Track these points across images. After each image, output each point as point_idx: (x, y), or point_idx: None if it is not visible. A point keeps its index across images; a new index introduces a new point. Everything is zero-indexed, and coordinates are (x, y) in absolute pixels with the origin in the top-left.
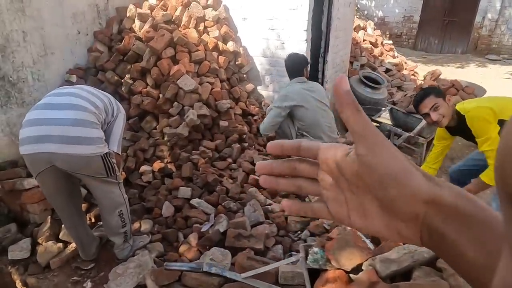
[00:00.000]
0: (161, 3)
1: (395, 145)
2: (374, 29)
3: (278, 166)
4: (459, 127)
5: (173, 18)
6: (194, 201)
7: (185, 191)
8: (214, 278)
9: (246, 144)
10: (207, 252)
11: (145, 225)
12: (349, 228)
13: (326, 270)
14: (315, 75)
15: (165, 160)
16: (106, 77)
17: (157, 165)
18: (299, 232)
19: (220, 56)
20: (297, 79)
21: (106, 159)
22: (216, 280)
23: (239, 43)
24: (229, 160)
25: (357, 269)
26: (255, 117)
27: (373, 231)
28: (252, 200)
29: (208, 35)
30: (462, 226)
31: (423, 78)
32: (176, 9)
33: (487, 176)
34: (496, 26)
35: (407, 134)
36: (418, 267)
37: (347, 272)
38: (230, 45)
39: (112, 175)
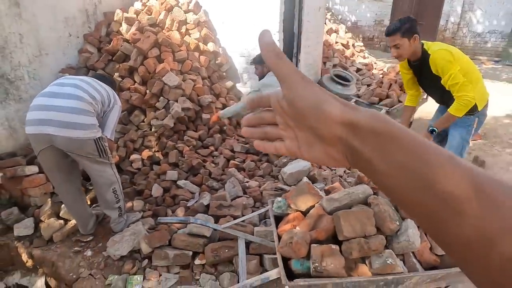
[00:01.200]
0: (146, 8)
1: None
2: (346, 32)
3: (252, 118)
4: (421, 63)
5: (157, 21)
6: (181, 182)
7: (172, 174)
8: (199, 239)
9: (226, 135)
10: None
11: (137, 204)
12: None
13: (288, 214)
14: None
15: (153, 149)
16: None
17: (146, 153)
18: None
19: (201, 56)
20: (271, 73)
21: (99, 142)
22: (202, 241)
23: (218, 44)
24: (212, 148)
25: (310, 209)
26: None
27: (318, 160)
28: (231, 177)
29: (190, 36)
30: (377, 144)
31: (386, 71)
32: (160, 13)
33: (454, 109)
34: (458, 28)
35: None
36: (355, 204)
37: (303, 213)
38: (210, 46)
39: (104, 156)
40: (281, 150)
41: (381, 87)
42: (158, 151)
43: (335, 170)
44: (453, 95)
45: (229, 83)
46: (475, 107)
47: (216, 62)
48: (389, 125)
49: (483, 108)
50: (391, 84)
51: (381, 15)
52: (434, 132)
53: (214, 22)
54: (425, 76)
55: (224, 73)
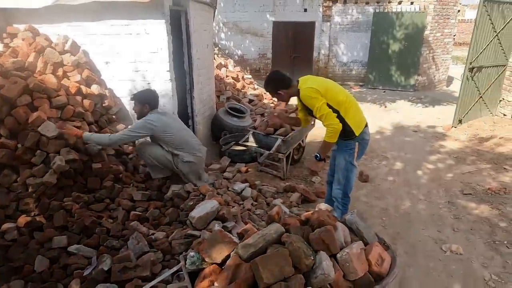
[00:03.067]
0: (10, 50)
1: (258, 163)
2: (234, 66)
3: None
4: (299, 98)
5: (26, 64)
6: (72, 248)
7: (60, 240)
8: None
9: (123, 183)
10: None
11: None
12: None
13: (204, 268)
14: (185, 110)
15: (32, 213)
16: None
17: (23, 219)
18: (183, 252)
19: (84, 100)
20: (155, 110)
21: None
22: None
23: (104, 86)
24: (107, 201)
25: (227, 259)
26: (130, 156)
27: None
28: (134, 233)
29: (69, 79)
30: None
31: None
32: (29, 56)
33: (326, 136)
34: (328, 59)
35: (268, 152)
36: (270, 245)
37: (220, 265)
38: (95, 88)
39: None
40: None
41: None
42: (39, 214)
43: (243, 204)
44: (323, 124)
45: (120, 126)
46: (352, 133)
47: (103, 105)
48: None
49: (361, 134)
50: None
51: (264, 49)
52: (317, 158)
53: (96, 62)
54: (305, 107)
55: (113, 116)
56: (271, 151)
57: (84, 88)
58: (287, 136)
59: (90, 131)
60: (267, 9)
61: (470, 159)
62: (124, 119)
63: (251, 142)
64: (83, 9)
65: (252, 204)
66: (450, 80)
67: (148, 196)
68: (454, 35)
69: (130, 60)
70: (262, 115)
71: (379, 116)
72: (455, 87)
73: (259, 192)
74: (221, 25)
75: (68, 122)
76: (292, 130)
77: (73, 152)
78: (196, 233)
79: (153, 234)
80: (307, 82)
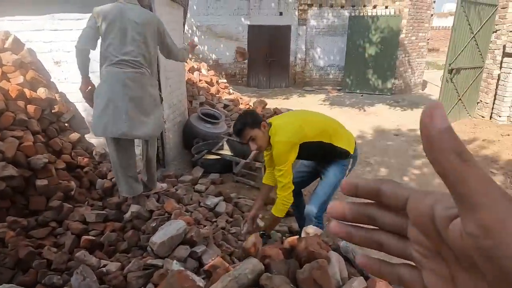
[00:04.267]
0: None
1: (234, 174)
2: (208, 70)
3: (352, 211)
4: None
5: None
6: None
7: None
8: None
9: (75, 202)
10: None
11: None
12: (175, 269)
13: None
14: None
15: None
16: None
17: None
18: (142, 287)
19: (29, 105)
20: None
21: None
22: None
23: (53, 89)
24: (53, 224)
25: None
26: (85, 169)
27: None
28: (80, 267)
29: (9, 81)
30: None
31: (253, 105)
32: None
33: (275, 209)
34: (305, 63)
35: (244, 161)
36: None
37: None
38: (42, 92)
39: None
40: (411, 283)
41: None
42: None
43: (216, 222)
44: (276, 189)
45: (74, 135)
46: (346, 153)
47: (53, 111)
48: None
49: (355, 150)
50: None
51: None
52: (264, 235)
53: (45, 63)
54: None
55: (66, 124)
56: (247, 160)
57: (28, 92)
58: None
59: (34, 143)
60: (242, 13)
61: None
62: (79, 127)
63: (226, 150)
64: (29, 2)
65: (227, 221)
66: (425, 84)
67: (104, 217)
68: (428, 39)
69: None
70: None
71: (359, 120)
72: (430, 91)
73: (235, 206)
74: (194, 28)
75: (8, 132)
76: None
77: (10, 167)
78: (158, 262)
79: (105, 265)
80: (278, 132)
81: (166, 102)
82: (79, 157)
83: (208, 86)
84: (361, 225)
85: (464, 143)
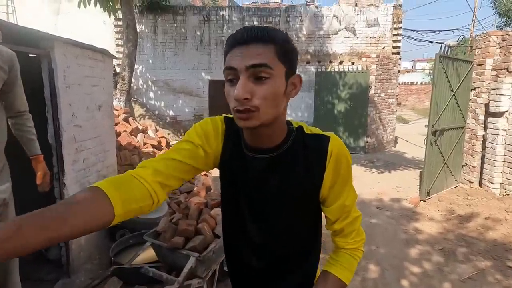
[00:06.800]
0: None
1: None
2: (157, 131)
3: None
4: None
5: None
6: None
7: None
8: None
9: None
10: None
11: None
12: None
13: None
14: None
15: None
16: None
17: None
18: None
19: None
20: None
21: None
22: None
23: None
24: None
25: None
26: None
27: None
28: None
29: None
30: None
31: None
32: None
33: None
34: None
35: (176, 279)
36: None
37: None
38: None
39: None
40: None
41: None
42: None
43: None
44: None
45: None
46: None
47: None
48: None
49: None
50: None
51: (199, 110)
52: None
53: None
54: None
55: None
56: (179, 279)
57: None
58: (207, 251)
59: None
60: (202, 67)
61: (461, 253)
62: None
63: (154, 256)
64: None
65: None
66: (396, 140)
67: None
68: (397, 95)
69: None
70: (189, 192)
71: None
72: (403, 147)
73: None
74: (149, 83)
75: None
76: (216, 236)
77: None
78: None
79: None
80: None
81: (73, 184)
82: None
83: (155, 150)
84: None
85: (463, 221)
